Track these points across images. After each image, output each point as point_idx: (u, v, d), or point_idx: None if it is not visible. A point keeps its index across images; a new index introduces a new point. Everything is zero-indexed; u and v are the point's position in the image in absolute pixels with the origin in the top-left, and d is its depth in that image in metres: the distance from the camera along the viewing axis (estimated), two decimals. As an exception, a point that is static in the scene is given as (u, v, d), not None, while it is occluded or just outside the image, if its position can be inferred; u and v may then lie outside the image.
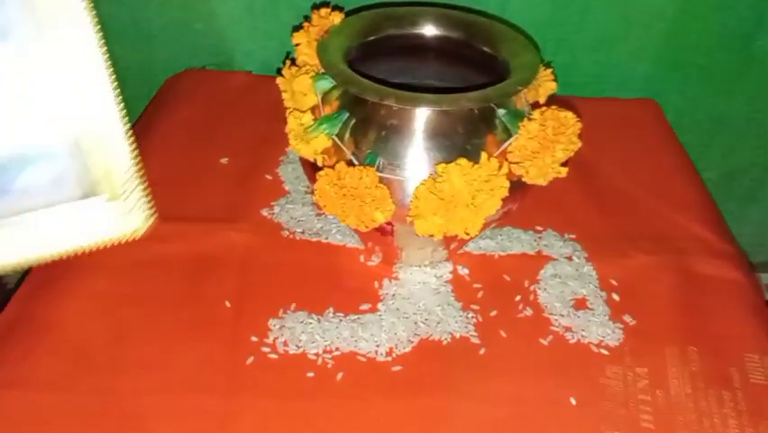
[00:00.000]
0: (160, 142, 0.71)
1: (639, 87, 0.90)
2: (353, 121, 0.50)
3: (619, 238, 0.64)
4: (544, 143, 0.47)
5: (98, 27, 0.38)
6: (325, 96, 0.52)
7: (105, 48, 0.39)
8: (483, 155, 0.46)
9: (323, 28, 0.55)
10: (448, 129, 0.49)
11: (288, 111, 0.51)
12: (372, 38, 0.57)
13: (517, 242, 0.62)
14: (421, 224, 0.45)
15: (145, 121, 0.75)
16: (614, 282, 0.59)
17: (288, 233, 0.61)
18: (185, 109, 0.76)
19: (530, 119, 0.48)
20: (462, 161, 0.45)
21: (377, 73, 0.61)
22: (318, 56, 0.51)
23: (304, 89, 0.51)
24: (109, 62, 0.39)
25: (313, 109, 0.52)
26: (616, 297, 0.58)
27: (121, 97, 0.40)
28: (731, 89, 0.91)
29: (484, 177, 0.44)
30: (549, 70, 0.56)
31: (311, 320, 0.53)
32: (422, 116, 0.48)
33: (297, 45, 0.55)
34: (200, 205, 0.63)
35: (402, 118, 0.48)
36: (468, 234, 0.46)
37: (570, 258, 0.61)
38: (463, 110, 0.48)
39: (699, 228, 0.65)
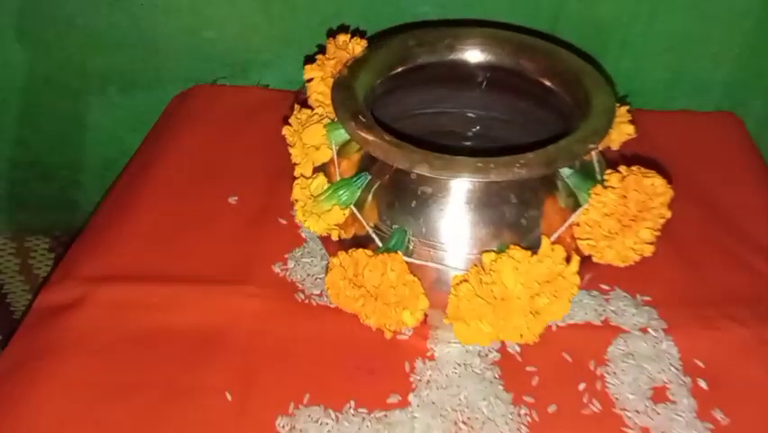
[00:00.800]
0: (161, 177, 0.62)
1: (717, 96, 0.77)
2: (377, 184, 0.40)
3: (705, 302, 0.52)
4: (623, 221, 0.36)
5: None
6: (343, 149, 0.42)
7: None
8: (545, 241, 0.35)
9: (340, 60, 0.44)
10: (497, 198, 0.38)
11: (295, 168, 0.41)
12: (402, 69, 0.47)
13: (579, 307, 0.51)
14: (462, 331, 0.35)
15: (146, 150, 0.66)
16: (700, 364, 0.48)
17: (302, 296, 0.51)
18: (191, 135, 0.66)
19: (605, 186, 0.37)
20: (517, 253, 0.34)
21: (409, 105, 0.51)
22: (332, 101, 0.40)
23: (316, 142, 0.41)
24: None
25: (326, 165, 0.42)
26: (703, 384, 0.47)
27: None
28: None
29: (546, 273, 0.34)
30: (625, 108, 0.45)
31: (328, 420, 0.44)
32: (465, 185, 0.38)
33: (308, 82, 0.45)
34: (202, 261, 0.54)
35: (439, 185, 0.38)
36: (525, 340, 0.36)
37: (645, 330, 0.50)
38: (516, 175, 0.37)
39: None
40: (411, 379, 0.47)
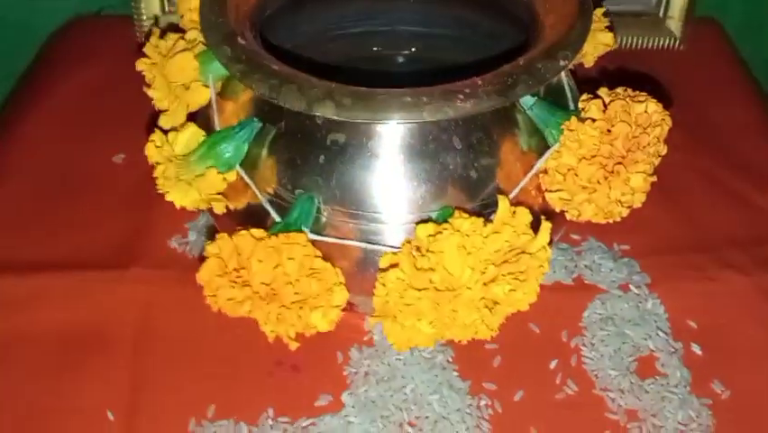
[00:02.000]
0: (29, 136, 0.49)
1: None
2: (272, 134, 0.29)
3: (694, 248, 0.44)
4: (608, 165, 0.27)
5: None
6: (228, 88, 0.31)
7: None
8: (502, 202, 0.25)
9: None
10: (437, 144, 0.28)
11: (163, 119, 0.30)
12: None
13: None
14: (395, 332, 0.25)
15: (13, 103, 0.53)
16: (693, 325, 0.40)
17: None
18: (68, 81, 0.53)
19: (581, 118, 0.27)
20: (464, 223, 0.24)
21: (324, 24, 0.40)
22: (200, 18, 0.29)
23: (185, 78, 0.29)
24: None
25: (204, 111, 0.30)
26: (697, 350, 0.39)
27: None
28: None
29: (505, 250, 0.24)
30: (601, 11, 0.34)
31: (239, 435, 0.35)
32: (390, 126, 0.27)
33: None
34: (77, 240, 0.42)
35: (356, 131, 0.27)
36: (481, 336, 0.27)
37: (625, 288, 0.42)
38: (462, 111, 0.27)
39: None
40: (345, 372, 0.37)
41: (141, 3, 0.52)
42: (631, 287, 0.42)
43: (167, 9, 0.52)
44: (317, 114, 0.25)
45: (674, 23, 0.54)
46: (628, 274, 0.42)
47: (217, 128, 0.30)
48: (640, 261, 0.43)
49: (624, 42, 0.55)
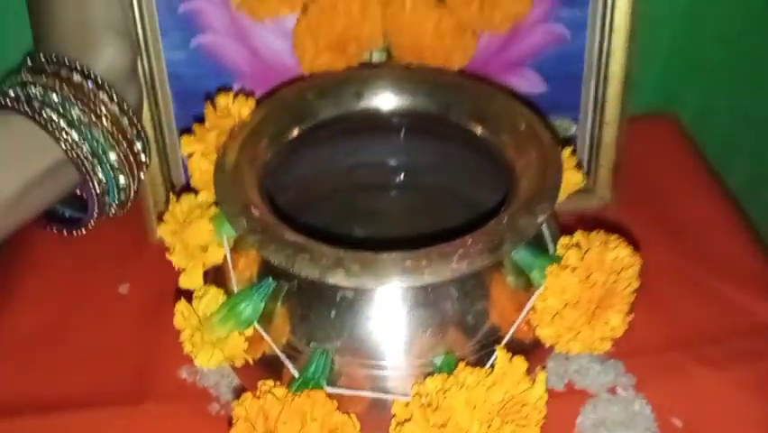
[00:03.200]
0: (34, 270, 0.52)
1: (650, 93, 0.73)
2: (285, 290, 0.32)
3: (672, 345, 0.47)
4: (589, 308, 0.30)
5: None
6: (239, 243, 0.34)
7: None
8: (500, 355, 0.28)
9: (224, 129, 0.36)
10: (436, 296, 0.31)
11: (182, 278, 0.33)
12: (302, 129, 0.38)
13: None
14: (410, 479, 0.28)
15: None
16: (678, 423, 0.43)
17: (218, 406, 0.43)
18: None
19: (562, 265, 0.30)
20: (469, 377, 0.27)
21: (318, 163, 0.43)
22: (215, 192, 0.32)
23: (202, 241, 0.32)
24: None
25: (218, 267, 0.33)
26: (685, 450, 0.42)
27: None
28: (760, 83, 0.75)
29: (506, 398, 0.27)
30: (568, 151, 0.38)
31: None
32: (396, 294, 0.30)
33: (189, 156, 0.36)
34: (89, 374, 0.44)
35: (363, 298, 0.30)
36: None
37: (614, 391, 0.44)
38: (456, 273, 0.30)
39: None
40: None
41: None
42: (618, 389, 0.44)
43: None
44: (329, 281, 0.28)
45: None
46: (615, 376, 0.45)
47: (233, 282, 0.33)
48: (624, 361, 0.46)
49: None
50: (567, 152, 0.38)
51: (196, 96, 0.50)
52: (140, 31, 0.47)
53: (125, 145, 0.39)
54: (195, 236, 0.32)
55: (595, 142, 0.55)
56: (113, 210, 0.40)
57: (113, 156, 0.38)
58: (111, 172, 0.38)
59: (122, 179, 0.39)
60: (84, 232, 0.41)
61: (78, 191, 0.39)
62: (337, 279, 0.28)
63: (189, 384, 0.44)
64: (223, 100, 0.37)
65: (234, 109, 0.36)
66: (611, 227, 0.55)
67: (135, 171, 0.40)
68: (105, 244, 0.53)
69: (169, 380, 0.44)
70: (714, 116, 0.77)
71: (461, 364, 0.28)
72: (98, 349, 0.46)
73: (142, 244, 0.53)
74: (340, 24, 0.46)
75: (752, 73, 0.74)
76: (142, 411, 0.42)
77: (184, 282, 0.32)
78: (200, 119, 0.40)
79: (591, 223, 0.54)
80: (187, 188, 0.36)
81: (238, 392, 0.43)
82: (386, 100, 0.40)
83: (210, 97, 0.39)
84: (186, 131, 0.52)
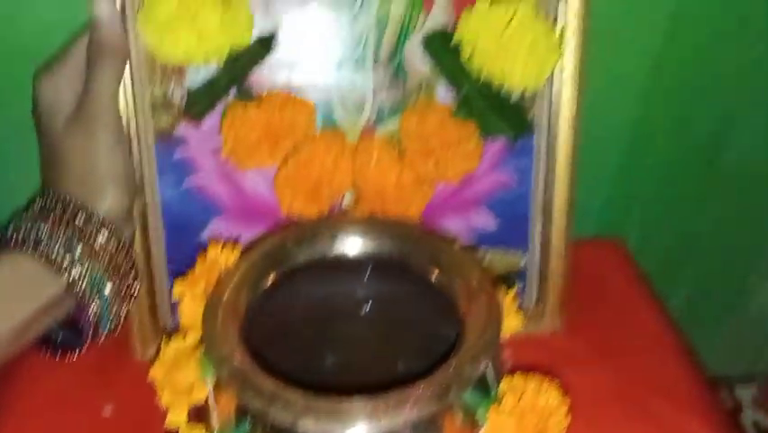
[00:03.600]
0: (22, 384, 0.55)
1: (595, 219, 0.80)
2: (259, 430, 0.36)
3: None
4: (524, 445, 0.35)
5: None
6: (219, 386, 0.38)
7: None
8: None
9: (212, 277, 0.41)
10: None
11: (168, 418, 0.37)
12: (282, 271, 0.44)
13: None
14: None
15: None
16: None
17: None
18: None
19: (501, 410, 0.35)
20: None
21: (296, 296, 0.48)
22: (203, 338, 0.37)
23: (188, 383, 0.37)
24: None
25: (201, 405, 0.38)
26: None
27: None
28: (697, 208, 0.84)
29: None
30: (511, 296, 0.44)
31: None
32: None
33: (180, 299, 0.41)
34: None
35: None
36: None
37: None
38: (412, 418, 0.35)
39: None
40: None
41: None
42: None
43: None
44: (300, 429, 0.33)
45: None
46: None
47: (214, 418, 0.37)
48: None
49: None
50: (510, 296, 0.44)
51: (187, 229, 0.56)
52: (138, 173, 0.53)
53: (120, 278, 0.44)
54: (183, 379, 0.36)
55: (542, 274, 0.62)
56: (103, 337, 0.44)
57: (108, 288, 0.43)
58: (106, 303, 0.43)
59: (114, 309, 0.43)
60: (75, 358, 0.45)
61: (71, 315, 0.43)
62: (308, 425, 0.32)
63: None
64: (212, 252, 0.42)
65: (222, 258, 0.42)
66: (559, 351, 0.61)
67: (127, 301, 0.45)
68: (88, 363, 0.57)
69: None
70: (656, 242, 0.85)
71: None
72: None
73: (126, 362, 0.56)
74: (314, 175, 0.53)
75: (689, 202, 0.83)
76: None
77: (171, 421, 0.37)
78: (188, 248, 0.46)
79: (541, 347, 0.59)
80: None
81: None
82: (354, 246, 0.47)
83: (198, 232, 0.44)
84: (173, 260, 0.57)
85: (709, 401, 0.57)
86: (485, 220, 0.60)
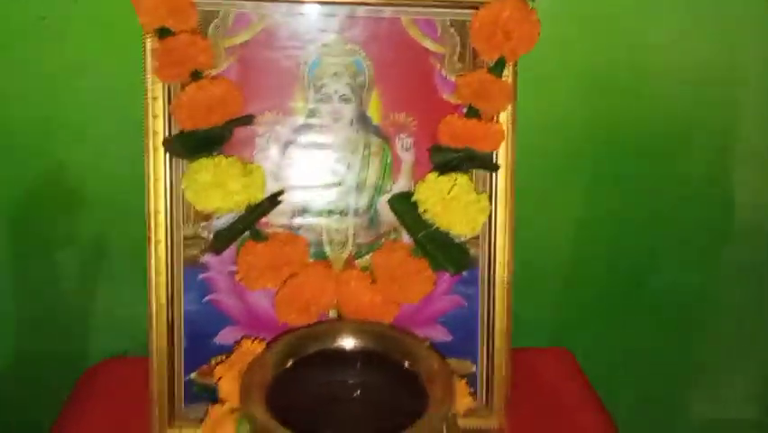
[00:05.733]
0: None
1: (548, 332, 0.95)
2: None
3: None
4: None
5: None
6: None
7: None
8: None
9: (245, 362, 0.57)
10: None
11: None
12: (296, 359, 0.60)
13: None
14: None
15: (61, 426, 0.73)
16: None
17: None
18: (101, 410, 0.74)
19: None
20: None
21: (305, 380, 0.63)
22: (240, 399, 0.52)
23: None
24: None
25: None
26: None
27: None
28: (632, 326, 0.98)
29: None
30: (464, 382, 0.60)
31: None
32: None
33: (218, 381, 0.57)
34: None
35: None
36: None
37: None
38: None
39: None
40: None
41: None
42: None
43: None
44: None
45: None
46: None
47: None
48: None
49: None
50: (463, 383, 0.59)
51: (203, 335, 0.71)
52: (169, 291, 0.70)
53: None
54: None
55: (489, 379, 0.76)
56: None
57: None
58: None
59: None
60: None
61: None
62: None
63: None
64: (245, 343, 0.59)
65: (253, 348, 0.58)
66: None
67: None
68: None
69: None
70: (601, 354, 0.99)
71: None
72: None
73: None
74: (306, 296, 0.69)
75: (625, 320, 0.98)
76: None
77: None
78: (203, 350, 0.60)
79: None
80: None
81: None
82: (348, 343, 0.63)
83: (212, 337, 0.60)
84: (192, 360, 0.72)
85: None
86: (441, 334, 0.76)
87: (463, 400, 0.58)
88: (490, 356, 0.76)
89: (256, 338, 0.60)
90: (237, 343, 0.60)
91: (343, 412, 0.66)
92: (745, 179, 0.91)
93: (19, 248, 0.83)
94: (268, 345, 0.60)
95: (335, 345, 0.63)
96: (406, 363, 0.61)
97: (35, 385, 0.86)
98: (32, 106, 0.78)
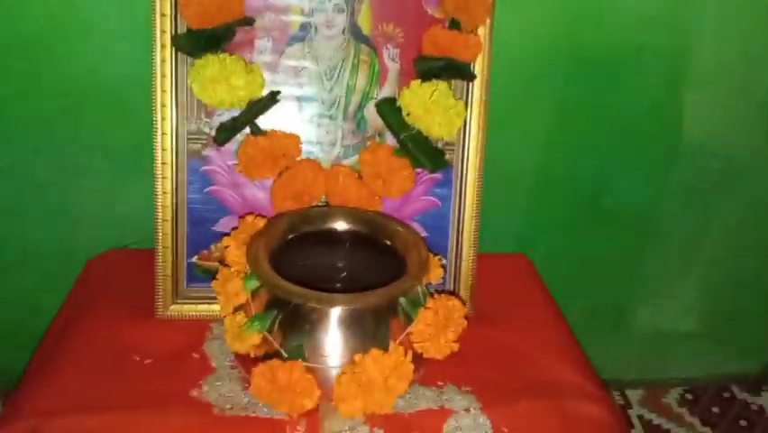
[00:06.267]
0: (89, 327, 0.74)
1: (512, 240, 1.04)
2: (281, 317, 0.58)
3: (508, 387, 0.73)
4: (437, 328, 0.58)
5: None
6: (254, 293, 0.61)
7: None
8: (392, 344, 0.56)
9: (248, 233, 0.64)
10: (361, 321, 0.59)
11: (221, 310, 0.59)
12: (292, 236, 0.68)
13: (423, 399, 0.70)
14: (344, 407, 0.54)
15: (73, 301, 0.78)
16: (505, 430, 0.69)
17: (218, 410, 0.65)
18: (107, 296, 0.80)
19: (426, 308, 0.59)
20: (375, 352, 0.54)
21: (298, 259, 0.71)
22: (247, 261, 0.60)
23: (236, 290, 0.59)
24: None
25: (243, 306, 0.60)
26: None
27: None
28: (589, 236, 1.08)
29: (393, 364, 0.54)
30: (437, 259, 0.69)
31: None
32: (339, 313, 0.58)
33: (226, 247, 0.64)
34: (133, 391, 0.65)
35: (323, 314, 0.58)
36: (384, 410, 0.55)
37: (468, 410, 0.70)
38: (372, 305, 0.58)
39: (572, 374, 0.76)
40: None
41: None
42: (471, 409, 0.71)
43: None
44: (307, 304, 0.55)
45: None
46: (469, 402, 0.71)
47: (252, 312, 0.59)
48: (476, 394, 0.71)
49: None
50: (436, 259, 0.69)
51: (204, 222, 0.78)
52: (174, 181, 0.76)
53: None
54: (232, 288, 0.59)
55: (457, 271, 0.86)
56: None
57: None
58: None
59: None
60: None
61: None
62: (312, 303, 0.55)
63: (197, 400, 0.65)
64: (248, 217, 0.66)
65: (255, 222, 0.65)
66: (470, 332, 0.81)
67: None
68: (121, 319, 0.75)
69: (184, 397, 0.66)
70: (558, 260, 1.06)
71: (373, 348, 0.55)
72: (136, 379, 0.68)
73: (150, 318, 0.76)
74: (299, 185, 0.77)
75: (582, 231, 1.06)
76: (165, 412, 0.64)
77: (222, 311, 0.58)
78: (204, 236, 0.68)
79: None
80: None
81: (231, 402, 0.65)
82: (339, 225, 0.71)
83: (212, 225, 0.67)
84: (192, 244, 0.78)
85: (602, 387, 0.76)
86: (418, 230, 0.85)
87: (436, 271, 0.68)
88: (459, 252, 0.86)
89: (258, 215, 0.67)
90: (241, 217, 0.67)
91: (337, 269, 0.75)
92: (696, 103, 0.99)
93: (26, 144, 0.86)
94: (270, 220, 0.68)
95: (327, 226, 0.71)
96: (389, 242, 0.70)
97: (41, 275, 0.90)
98: (39, 4, 0.80)
